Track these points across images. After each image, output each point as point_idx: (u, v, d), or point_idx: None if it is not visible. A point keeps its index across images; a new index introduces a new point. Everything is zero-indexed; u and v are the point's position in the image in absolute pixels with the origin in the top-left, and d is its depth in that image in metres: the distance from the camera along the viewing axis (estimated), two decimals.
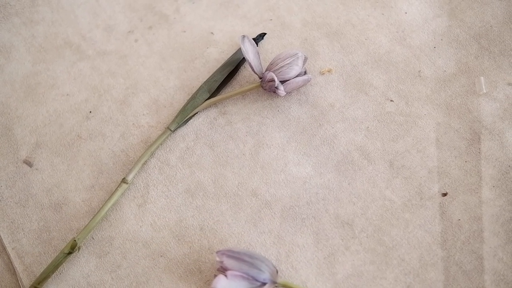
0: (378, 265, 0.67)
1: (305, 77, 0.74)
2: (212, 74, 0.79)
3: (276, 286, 0.64)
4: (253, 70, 0.75)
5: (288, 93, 0.76)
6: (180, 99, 0.78)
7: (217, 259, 0.63)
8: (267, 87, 0.75)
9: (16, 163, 0.75)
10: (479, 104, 0.75)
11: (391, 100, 0.76)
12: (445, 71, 0.78)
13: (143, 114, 0.78)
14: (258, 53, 0.76)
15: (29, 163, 0.75)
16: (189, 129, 0.76)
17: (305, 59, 0.74)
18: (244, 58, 0.79)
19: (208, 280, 0.67)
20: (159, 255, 0.69)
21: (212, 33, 0.83)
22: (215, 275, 0.62)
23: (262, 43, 0.82)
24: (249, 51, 0.74)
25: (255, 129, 0.76)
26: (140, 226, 0.71)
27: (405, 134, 0.74)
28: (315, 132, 0.75)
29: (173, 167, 0.74)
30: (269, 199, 0.71)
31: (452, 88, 0.76)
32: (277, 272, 0.64)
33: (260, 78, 0.75)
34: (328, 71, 0.79)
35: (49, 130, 0.77)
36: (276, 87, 0.73)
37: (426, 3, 0.83)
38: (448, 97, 0.76)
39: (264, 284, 0.61)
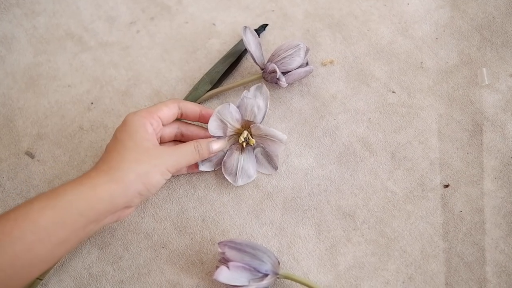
0: (379, 256, 0.67)
1: (307, 68, 0.74)
2: (214, 65, 0.79)
3: (278, 277, 0.64)
4: (255, 61, 0.75)
5: (290, 84, 0.76)
6: (182, 90, 0.78)
7: (219, 250, 0.63)
8: (269, 78, 0.74)
9: (18, 155, 0.75)
10: (481, 96, 0.75)
11: (393, 92, 0.76)
12: (447, 62, 0.77)
13: (145, 105, 0.78)
14: (260, 44, 0.75)
15: (30, 155, 0.75)
16: None
17: (307, 50, 0.74)
18: (246, 49, 0.78)
19: (210, 271, 0.67)
20: (160, 246, 0.69)
21: (214, 24, 0.83)
22: (217, 266, 0.62)
23: (264, 34, 0.82)
24: (251, 42, 0.74)
25: None
26: (142, 217, 0.71)
27: (407, 125, 0.74)
28: (317, 124, 0.75)
29: None
30: (270, 191, 0.71)
31: (454, 79, 0.76)
32: (278, 263, 0.64)
33: (262, 69, 0.75)
34: (330, 62, 0.79)
35: (50, 121, 0.77)
36: (278, 78, 0.72)
37: None
38: (450, 89, 0.76)
39: (266, 275, 0.61)
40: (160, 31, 0.83)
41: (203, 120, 0.70)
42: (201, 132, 0.71)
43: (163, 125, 0.67)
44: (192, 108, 0.69)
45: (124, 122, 0.63)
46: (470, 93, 0.75)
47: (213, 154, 0.69)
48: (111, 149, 0.61)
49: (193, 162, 0.66)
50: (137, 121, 0.63)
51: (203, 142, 0.67)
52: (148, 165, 0.60)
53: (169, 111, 0.67)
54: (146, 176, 0.60)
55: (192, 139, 0.70)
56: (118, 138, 0.62)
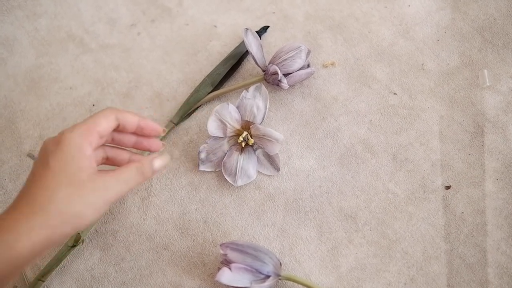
0: (381, 258, 0.67)
1: (308, 70, 0.74)
2: (215, 67, 0.79)
3: (279, 279, 0.64)
4: (256, 63, 0.75)
5: (291, 86, 0.76)
6: (183, 92, 0.78)
7: (221, 251, 0.63)
8: (270, 80, 0.75)
9: (20, 157, 0.75)
10: (483, 97, 0.75)
11: (394, 93, 0.76)
12: (448, 64, 0.78)
13: (146, 108, 0.78)
14: (261, 46, 0.75)
15: (32, 157, 0.75)
16: (192, 123, 0.76)
17: (308, 52, 0.74)
18: (247, 51, 0.78)
19: (212, 273, 0.67)
20: (162, 248, 0.69)
21: (215, 26, 0.83)
22: (219, 268, 0.62)
23: (265, 36, 0.82)
24: (252, 44, 0.74)
25: None
26: (144, 219, 0.71)
27: (408, 127, 0.74)
28: (319, 125, 0.75)
29: (176, 160, 0.74)
30: (272, 192, 0.71)
31: (456, 81, 0.76)
32: (280, 265, 0.64)
33: (263, 71, 0.75)
34: (331, 64, 0.79)
35: (52, 123, 0.77)
36: (279, 80, 0.72)
37: None
38: (452, 90, 0.76)
39: (268, 276, 0.61)
40: (161, 33, 0.83)
41: (141, 132, 0.61)
42: (127, 154, 0.62)
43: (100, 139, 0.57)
44: (131, 118, 0.59)
45: (59, 141, 0.54)
46: (472, 95, 0.75)
47: (156, 173, 0.59)
48: (37, 179, 0.53)
49: (136, 186, 0.59)
50: (75, 143, 0.53)
51: (145, 161, 0.58)
52: (81, 205, 0.52)
53: (108, 124, 0.57)
54: (78, 217, 0.52)
55: (119, 163, 0.61)
56: (49, 165, 0.52)
